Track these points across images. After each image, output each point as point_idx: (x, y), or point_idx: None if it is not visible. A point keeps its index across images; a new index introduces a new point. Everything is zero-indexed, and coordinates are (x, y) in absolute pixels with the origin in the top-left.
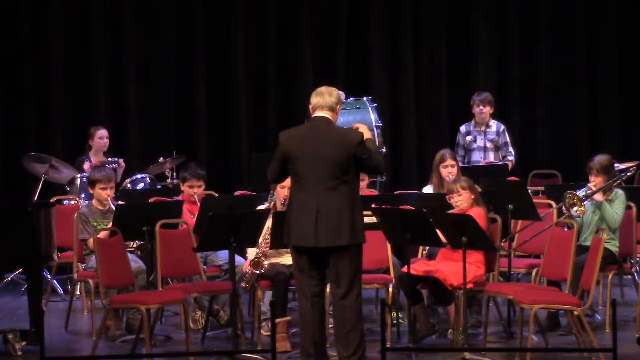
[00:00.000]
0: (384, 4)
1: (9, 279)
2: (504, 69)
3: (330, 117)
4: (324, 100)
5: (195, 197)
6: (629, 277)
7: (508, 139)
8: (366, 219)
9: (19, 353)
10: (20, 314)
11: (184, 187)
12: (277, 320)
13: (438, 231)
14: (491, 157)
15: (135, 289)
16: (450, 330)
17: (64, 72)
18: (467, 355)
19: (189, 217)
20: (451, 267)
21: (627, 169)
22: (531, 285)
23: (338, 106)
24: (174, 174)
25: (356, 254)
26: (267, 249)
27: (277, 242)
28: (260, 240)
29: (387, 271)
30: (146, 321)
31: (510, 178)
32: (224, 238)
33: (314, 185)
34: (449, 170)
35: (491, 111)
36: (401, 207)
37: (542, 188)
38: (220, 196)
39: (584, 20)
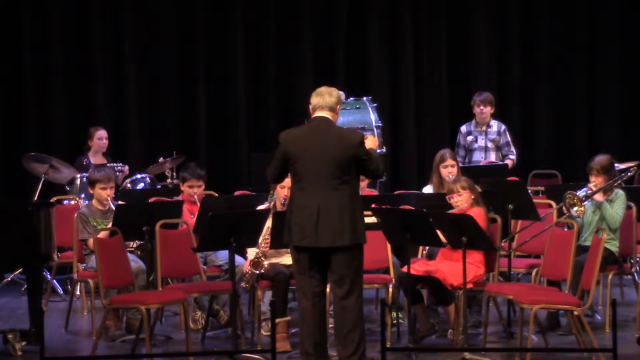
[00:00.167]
0: (384, 4)
1: (9, 279)
2: (504, 69)
3: (330, 117)
4: (324, 100)
5: (195, 197)
6: (629, 277)
7: (509, 139)
8: (366, 219)
9: (19, 353)
10: (20, 314)
11: (183, 187)
12: (277, 320)
13: (438, 231)
14: (492, 157)
15: (135, 289)
16: (450, 330)
17: (64, 72)
18: (467, 355)
19: (189, 217)
20: (451, 267)
21: (627, 169)
22: (531, 285)
23: (338, 106)
24: (174, 174)
25: (357, 255)
26: (267, 249)
27: (277, 242)
28: (260, 240)
29: (387, 271)
30: (146, 321)
31: (510, 178)
32: (224, 238)
33: (315, 186)
34: (449, 170)
35: (492, 111)
36: (401, 207)
37: (542, 188)
38: (220, 196)
39: (584, 20)
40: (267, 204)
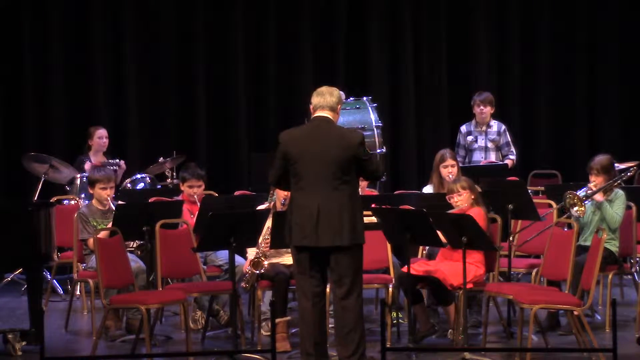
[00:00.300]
0: (384, 4)
1: (9, 279)
2: (504, 69)
3: (331, 117)
4: (324, 100)
5: (195, 197)
6: (629, 277)
7: (509, 139)
8: (366, 219)
9: (19, 353)
10: (20, 314)
11: (183, 187)
12: (277, 320)
13: (438, 231)
14: (492, 157)
15: (135, 289)
16: (450, 330)
17: (64, 72)
18: (467, 355)
19: (189, 217)
20: (451, 267)
21: (627, 169)
22: (531, 285)
23: (339, 106)
24: (174, 174)
25: (357, 254)
26: (267, 249)
27: (277, 242)
28: (260, 240)
29: (387, 271)
30: (146, 321)
31: (510, 178)
32: (224, 238)
33: (315, 186)
34: (449, 170)
35: (492, 111)
36: (401, 207)
37: (542, 188)
38: (220, 196)
39: (584, 20)
40: (267, 204)
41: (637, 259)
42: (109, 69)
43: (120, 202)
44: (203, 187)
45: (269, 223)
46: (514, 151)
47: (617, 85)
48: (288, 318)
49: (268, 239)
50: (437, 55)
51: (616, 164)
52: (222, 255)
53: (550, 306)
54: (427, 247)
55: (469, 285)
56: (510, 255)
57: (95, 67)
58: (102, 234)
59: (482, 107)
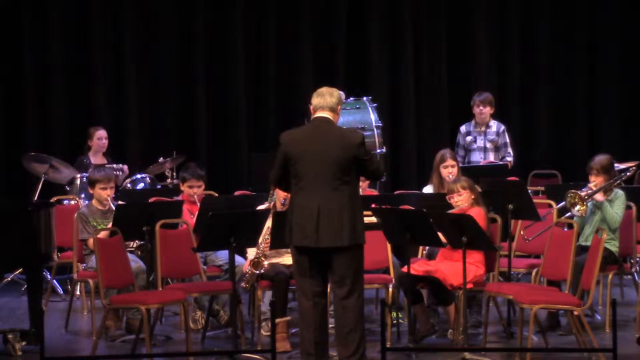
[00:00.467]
0: (384, 4)
1: (9, 279)
2: (504, 69)
3: (331, 118)
4: (324, 100)
5: (195, 197)
6: (629, 277)
7: (507, 140)
8: (366, 219)
9: (19, 353)
10: (20, 314)
11: (183, 187)
12: (277, 320)
13: (438, 231)
14: (491, 157)
15: (135, 289)
16: (450, 330)
17: (64, 72)
18: (467, 355)
19: (189, 217)
20: (451, 267)
21: (627, 169)
22: (531, 285)
23: (339, 107)
24: (174, 174)
25: (357, 255)
26: (267, 249)
27: (277, 242)
28: (260, 240)
29: (387, 271)
30: (146, 321)
31: (510, 178)
32: (224, 238)
33: (315, 186)
34: (449, 170)
35: (491, 111)
36: (401, 207)
37: (542, 188)
38: (220, 196)
39: (584, 20)
40: (267, 204)
41: (637, 259)
42: (109, 69)
43: (120, 202)
44: (203, 187)
45: (269, 223)
46: (511, 153)
47: (617, 85)
48: (288, 318)
49: (268, 239)
50: (437, 55)
51: (616, 164)
52: (222, 255)
53: (550, 306)
54: (427, 247)
55: (469, 285)
56: (510, 255)
57: (95, 67)
58: (102, 234)
59: (481, 108)
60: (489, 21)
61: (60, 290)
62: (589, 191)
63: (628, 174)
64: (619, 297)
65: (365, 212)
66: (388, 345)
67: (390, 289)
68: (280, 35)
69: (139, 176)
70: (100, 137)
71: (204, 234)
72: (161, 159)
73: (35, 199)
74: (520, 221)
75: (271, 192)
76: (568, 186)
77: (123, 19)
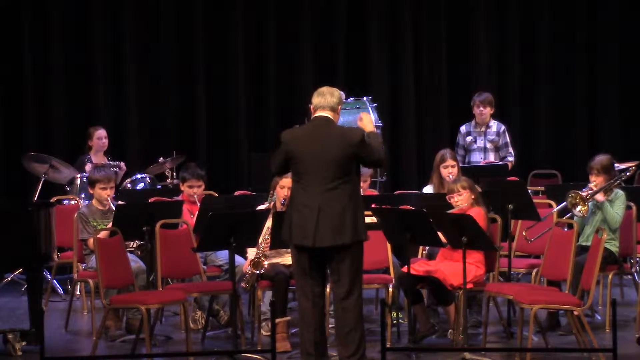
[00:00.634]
0: (384, 4)
1: (9, 279)
2: (504, 69)
3: (331, 117)
4: (325, 100)
5: (195, 197)
6: (629, 277)
7: (508, 140)
8: (366, 219)
9: (19, 353)
10: (20, 314)
11: (183, 187)
12: (277, 320)
13: (438, 231)
14: (491, 157)
15: (135, 289)
16: (450, 330)
17: (64, 72)
18: (467, 355)
19: (189, 217)
20: (451, 267)
21: (626, 169)
22: (531, 285)
23: (339, 106)
24: (174, 174)
25: (357, 253)
26: (267, 249)
27: (277, 242)
28: (260, 240)
29: (387, 271)
30: (146, 321)
31: (510, 178)
32: (224, 238)
33: (316, 185)
34: (449, 170)
35: (491, 112)
36: (401, 207)
37: (542, 188)
38: (220, 196)
39: (584, 20)
40: (267, 204)
41: (637, 259)
42: (109, 69)
43: (120, 202)
44: (203, 187)
45: (269, 223)
46: (513, 152)
47: (617, 85)
48: (288, 318)
49: (268, 239)
50: (437, 55)
51: (616, 164)
52: (222, 255)
53: (550, 306)
54: (427, 247)
55: (469, 285)
56: (510, 255)
57: (95, 67)
58: (102, 234)
59: (481, 108)
60: (489, 21)
61: (60, 290)
62: (590, 191)
63: (628, 173)
64: (619, 297)
65: (365, 212)
66: (388, 345)
67: (390, 289)
68: (280, 35)
69: (139, 176)
70: (100, 136)
71: (204, 234)
72: (161, 159)
73: (35, 199)
74: (520, 221)
75: (271, 192)
76: (568, 186)
77: (123, 19)
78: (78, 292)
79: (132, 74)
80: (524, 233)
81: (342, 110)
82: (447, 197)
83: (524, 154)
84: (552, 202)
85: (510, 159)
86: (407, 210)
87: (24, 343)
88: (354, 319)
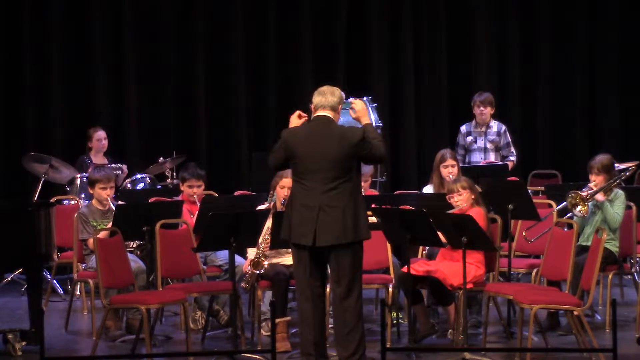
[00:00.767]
0: (384, 4)
1: (9, 279)
2: (504, 69)
3: (332, 117)
4: (326, 99)
5: (195, 197)
6: (629, 277)
7: (510, 140)
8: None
9: (19, 353)
10: (20, 314)
11: (183, 187)
12: (277, 320)
13: (438, 231)
14: (491, 157)
15: (135, 289)
16: (450, 330)
17: (64, 72)
18: (467, 355)
19: (189, 217)
20: (451, 267)
21: (626, 169)
22: (531, 285)
23: (340, 106)
24: (174, 174)
25: (357, 253)
26: (267, 249)
27: (277, 242)
28: (260, 240)
29: (387, 271)
30: (146, 321)
31: (510, 178)
32: (224, 238)
33: (316, 184)
34: (449, 170)
35: (492, 112)
36: (401, 207)
37: (542, 188)
38: (220, 196)
39: (584, 20)
40: (267, 204)
41: (637, 259)
42: (109, 69)
43: (120, 202)
44: (203, 187)
45: (269, 223)
46: (514, 152)
47: (617, 85)
48: (288, 318)
49: (268, 239)
50: (437, 55)
51: (616, 164)
52: (222, 255)
53: (550, 306)
54: (427, 247)
55: (469, 285)
56: (510, 255)
57: (95, 67)
58: (102, 234)
59: (482, 108)
60: (489, 21)
61: (60, 290)
62: (590, 191)
63: (627, 173)
64: (619, 297)
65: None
66: (388, 345)
67: (390, 289)
68: (280, 35)
69: (139, 176)
70: (99, 137)
71: (204, 234)
72: (161, 159)
73: (35, 199)
74: (520, 221)
75: (271, 192)
76: (568, 186)
77: (123, 19)
78: (78, 292)
79: (132, 74)
80: (524, 233)
81: (343, 110)
82: (447, 197)
83: (524, 154)
84: (552, 202)
85: (512, 158)
86: (407, 210)
87: (24, 343)
88: (354, 319)
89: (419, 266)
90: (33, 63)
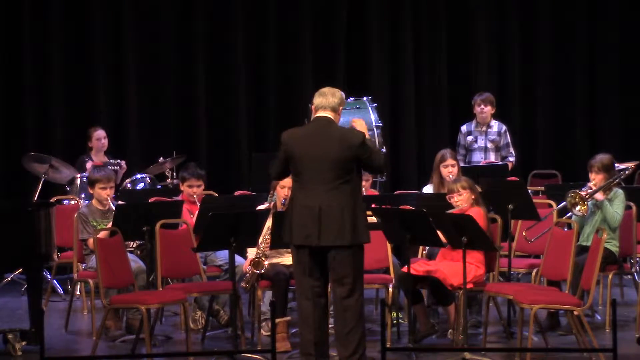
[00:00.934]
0: (384, 4)
1: (9, 279)
2: (504, 69)
3: (332, 118)
4: (327, 100)
5: (195, 197)
6: (629, 277)
7: (509, 140)
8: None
9: (19, 353)
10: (20, 314)
11: (183, 187)
12: (277, 320)
13: (438, 231)
14: (492, 157)
15: (135, 289)
16: (450, 330)
17: (64, 72)
18: (467, 355)
19: (189, 217)
20: (451, 267)
21: (625, 168)
22: (531, 285)
23: (340, 107)
24: (174, 174)
25: (358, 254)
26: (267, 249)
27: (277, 242)
28: (260, 240)
29: (387, 271)
30: (146, 321)
31: (510, 178)
32: (224, 238)
33: (316, 185)
34: (449, 170)
35: (492, 111)
36: (401, 207)
37: (542, 188)
38: (220, 196)
39: (584, 20)
40: (267, 204)
41: (637, 259)
42: (109, 69)
43: (120, 202)
44: (203, 187)
45: (269, 223)
46: (514, 153)
47: (617, 85)
48: (288, 318)
49: (268, 239)
50: (437, 55)
51: (616, 164)
52: (222, 255)
53: (550, 306)
54: (427, 247)
55: (469, 285)
56: (510, 255)
57: (95, 67)
58: (102, 234)
59: (482, 107)
60: (489, 21)
61: (60, 290)
62: (590, 190)
63: (626, 172)
64: (619, 297)
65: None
66: (388, 345)
67: (390, 289)
68: (280, 35)
69: (139, 176)
70: (99, 137)
71: (204, 234)
72: (161, 159)
73: (35, 199)
74: (520, 221)
75: (271, 192)
76: (568, 186)
77: (123, 19)
78: (78, 292)
79: (132, 74)
80: (524, 233)
81: (342, 111)
82: (447, 197)
83: (524, 154)
84: (552, 202)
85: (511, 159)
86: (407, 210)
87: (24, 343)
88: (354, 319)
89: (419, 266)
90: (33, 63)
